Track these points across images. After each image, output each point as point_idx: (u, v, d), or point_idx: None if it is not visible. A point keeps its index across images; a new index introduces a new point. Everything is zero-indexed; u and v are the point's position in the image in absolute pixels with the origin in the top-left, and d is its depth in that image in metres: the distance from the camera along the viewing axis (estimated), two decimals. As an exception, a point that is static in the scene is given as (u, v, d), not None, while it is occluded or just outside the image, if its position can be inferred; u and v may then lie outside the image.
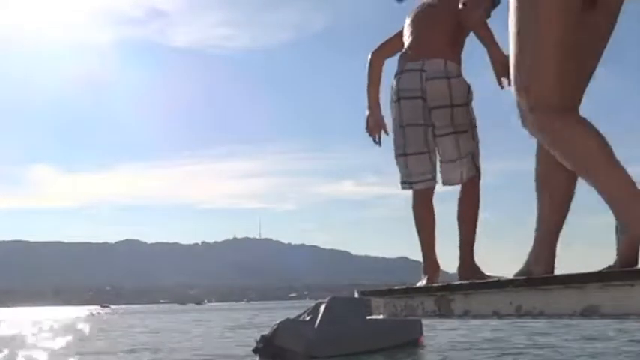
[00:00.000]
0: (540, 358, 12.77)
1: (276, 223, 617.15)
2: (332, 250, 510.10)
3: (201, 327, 30.24)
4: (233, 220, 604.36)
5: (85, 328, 33.20)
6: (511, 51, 2.03)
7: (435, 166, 3.14)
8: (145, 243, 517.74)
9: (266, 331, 13.78)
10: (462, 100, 3.08)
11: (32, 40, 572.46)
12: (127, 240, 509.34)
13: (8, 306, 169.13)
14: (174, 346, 17.89)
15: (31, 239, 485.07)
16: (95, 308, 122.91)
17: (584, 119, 1.97)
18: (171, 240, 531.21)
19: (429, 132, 3.10)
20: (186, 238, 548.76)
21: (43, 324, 38.71)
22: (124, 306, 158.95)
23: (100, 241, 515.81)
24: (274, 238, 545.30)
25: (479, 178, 3.11)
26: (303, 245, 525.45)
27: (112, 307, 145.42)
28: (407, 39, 3.25)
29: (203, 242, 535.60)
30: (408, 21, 3.33)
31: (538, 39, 1.93)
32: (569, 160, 1.93)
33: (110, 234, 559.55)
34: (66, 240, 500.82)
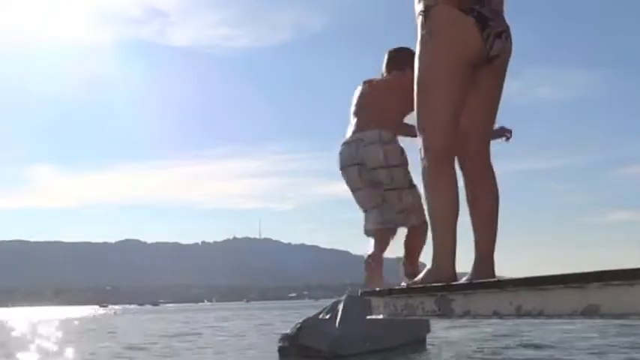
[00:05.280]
0: (545, 353, 12.78)
1: (276, 223, 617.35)
2: (332, 250, 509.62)
3: (210, 328, 30.22)
4: (233, 220, 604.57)
5: (89, 327, 33.20)
6: (415, 95, 2.57)
7: (391, 215, 3.70)
8: (145, 243, 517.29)
9: (287, 330, 13.91)
10: (396, 161, 3.57)
11: (32, 40, 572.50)
12: (127, 240, 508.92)
13: (8, 306, 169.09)
14: (192, 348, 17.82)
15: (31, 239, 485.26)
16: (95, 308, 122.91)
17: (454, 174, 2.55)
18: (171, 240, 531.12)
19: (372, 191, 3.65)
20: (186, 238, 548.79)
21: (44, 324, 38.71)
22: (123, 306, 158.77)
23: (100, 241, 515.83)
24: (274, 238, 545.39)
25: (424, 228, 3.41)
26: (303, 245, 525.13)
27: (112, 307, 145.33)
28: (353, 112, 3.80)
29: (203, 242, 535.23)
30: (357, 93, 3.83)
31: (431, 96, 2.51)
32: (426, 204, 2.54)
33: (110, 234, 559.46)
34: (66, 240, 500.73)
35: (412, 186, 3.61)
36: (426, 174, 2.54)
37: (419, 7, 2.56)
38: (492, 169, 2.67)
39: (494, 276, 2.50)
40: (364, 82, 3.88)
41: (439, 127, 2.52)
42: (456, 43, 2.47)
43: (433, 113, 2.53)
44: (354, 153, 3.63)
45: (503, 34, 2.54)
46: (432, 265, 2.51)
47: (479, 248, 2.59)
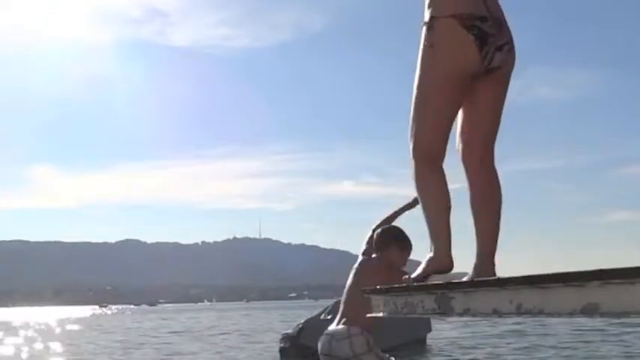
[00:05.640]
0: (547, 352, 12.79)
1: (276, 223, 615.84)
2: (332, 250, 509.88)
3: (210, 328, 30.23)
4: (233, 220, 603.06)
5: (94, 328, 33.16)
6: (412, 100, 2.71)
7: None
8: (145, 243, 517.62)
9: (289, 331, 13.94)
10: (362, 349, 4.11)
11: (32, 40, 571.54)
12: (127, 240, 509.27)
13: (8, 306, 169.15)
14: (192, 348, 17.77)
15: (31, 239, 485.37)
16: (94, 308, 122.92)
17: (441, 172, 2.68)
18: (171, 240, 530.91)
19: None
20: (186, 238, 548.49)
21: (43, 324, 38.67)
22: (123, 306, 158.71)
23: (100, 241, 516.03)
24: (274, 238, 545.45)
25: None
26: (303, 245, 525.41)
27: (111, 307, 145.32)
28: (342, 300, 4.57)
29: (203, 242, 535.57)
30: (353, 271, 4.53)
31: (425, 102, 2.66)
32: (420, 202, 2.69)
33: (110, 234, 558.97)
34: (66, 240, 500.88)
35: None
36: (415, 173, 2.70)
37: (426, 14, 2.66)
38: (496, 172, 2.75)
39: (495, 276, 2.52)
40: (363, 256, 4.58)
41: (427, 132, 2.67)
42: (453, 59, 2.60)
43: (423, 119, 2.68)
44: (327, 347, 4.26)
45: (505, 46, 2.63)
46: (432, 254, 2.64)
47: (480, 248, 2.65)
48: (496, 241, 2.68)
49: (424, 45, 2.65)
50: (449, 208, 2.67)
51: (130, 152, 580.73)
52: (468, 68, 2.60)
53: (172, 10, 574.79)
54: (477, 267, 2.62)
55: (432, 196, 2.66)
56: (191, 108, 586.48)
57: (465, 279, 2.50)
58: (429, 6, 2.66)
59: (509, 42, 2.66)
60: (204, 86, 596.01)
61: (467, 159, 2.73)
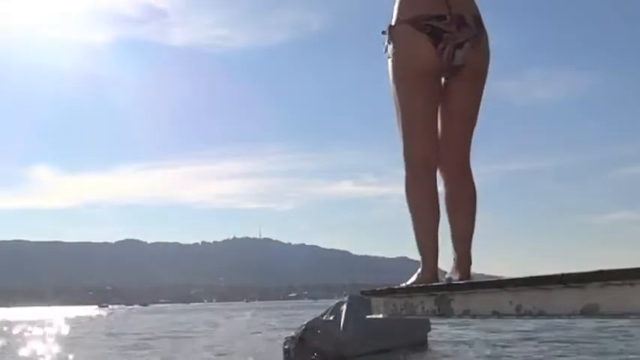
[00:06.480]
0: (542, 351, 12.79)
1: (276, 223, 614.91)
2: (332, 250, 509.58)
3: (212, 329, 30.19)
4: (233, 220, 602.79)
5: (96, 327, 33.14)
6: (394, 116, 2.78)
7: None
8: (145, 243, 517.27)
9: (292, 333, 14.01)
10: None
11: (31, 40, 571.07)
12: (127, 240, 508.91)
13: (8, 306, 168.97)
14: (196, 349, 17.73)
15: (31, 239, 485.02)
16: (94, 308, 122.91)
17: (432, 183, 2.71)
18: (171, 240, 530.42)
19: None
20: (186, 238, 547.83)
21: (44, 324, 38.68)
22: (122, 306, 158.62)
23: (100, 241, 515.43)
24: (274, 238, 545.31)
25: None
26: (303, 245, 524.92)
27: (111, 307, 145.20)
28: None
29: (203, 242, 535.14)
30: None
31: (403, 107, 2.71)
32: (410, 215, 2.72)
33: (110, 234, 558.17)
34: (66, 240, 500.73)
35: None
36: (406, 184, 2.74)
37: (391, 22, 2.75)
38: (470, 174, 2.78)
39: (469, 276, 2.61)
40: None
41: (412, 137, 2.73)
42: (411, 60, 2.66)
43: (405, 125, 2.73)
44: None
45: (466, 43, 2.61)
46: (420, 269, 2.71)
47: (456, 249, 2.71)
48: (470, 241, 2.72)
49: (385, 53, 2.74)
50: (436, 220, 2.71)
51: (129, 152, 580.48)
52: (427, 64, 2.63)
53: (171, 9, 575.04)
54: (454, 267, 2.69)
55: (422, 212, 2.69)
56: (191, 108, 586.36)
57: (445, 277, 2.62)
58: (391, 15, 2.73)
59: (473, 39, 2.63)
60: (203, 86, 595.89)
61: (440, 161, 2.76)
